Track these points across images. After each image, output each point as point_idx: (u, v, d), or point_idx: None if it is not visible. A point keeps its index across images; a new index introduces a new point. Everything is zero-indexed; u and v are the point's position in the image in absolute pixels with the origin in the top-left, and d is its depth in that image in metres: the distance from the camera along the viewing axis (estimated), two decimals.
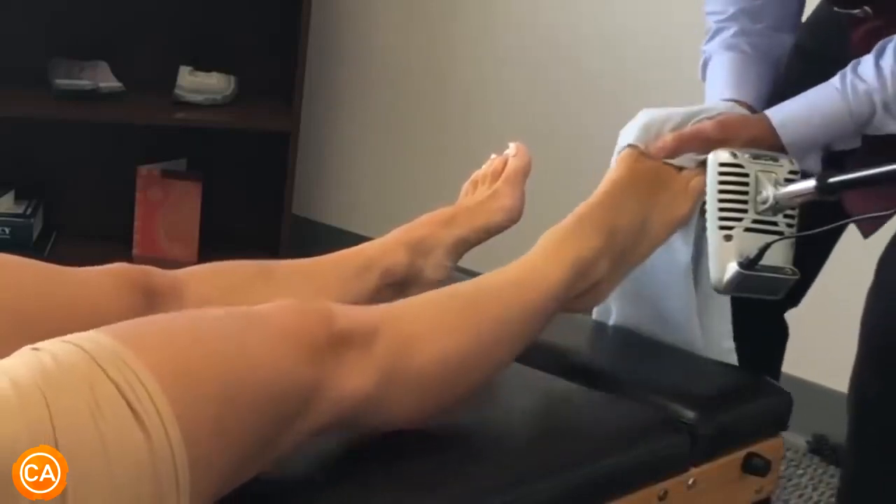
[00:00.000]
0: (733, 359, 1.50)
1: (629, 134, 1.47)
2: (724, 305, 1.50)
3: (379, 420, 1.14)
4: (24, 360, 0.95)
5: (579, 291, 1.37)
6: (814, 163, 1.48)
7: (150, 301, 1.23)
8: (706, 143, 1.46)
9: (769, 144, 1.46)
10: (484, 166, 1.56)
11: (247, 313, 1.09)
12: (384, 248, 1.42)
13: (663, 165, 1.46)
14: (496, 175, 1.53)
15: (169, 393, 0.94)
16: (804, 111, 1.46)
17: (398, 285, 1.42)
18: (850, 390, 1.53)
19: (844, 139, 1.46)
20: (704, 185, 1.43)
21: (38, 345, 0.97)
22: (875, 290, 1.49)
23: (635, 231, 1.41)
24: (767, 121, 1.46)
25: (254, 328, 1.06)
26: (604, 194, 1.44)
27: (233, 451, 0.99)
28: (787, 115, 1.46)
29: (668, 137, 1.46)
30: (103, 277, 1.22)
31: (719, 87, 1.60)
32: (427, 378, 1.17)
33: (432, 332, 1.18)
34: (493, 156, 1.56)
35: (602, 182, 1.46)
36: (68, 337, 0.98)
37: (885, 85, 1.40)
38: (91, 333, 0.98)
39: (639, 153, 1.46)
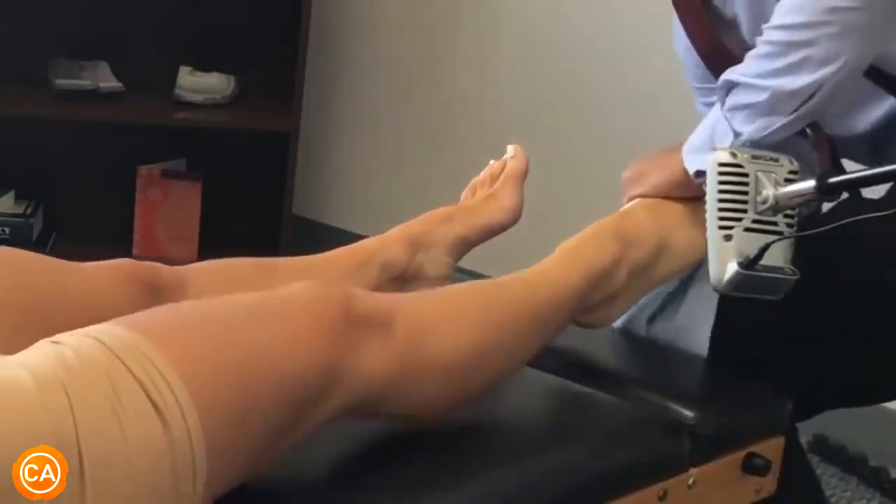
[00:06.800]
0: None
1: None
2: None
3: (398, 406, 1.14)
4: (44, 353, 0.95)
5: (594, 302, 1.37)
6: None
7: (156, 296, 1.24)
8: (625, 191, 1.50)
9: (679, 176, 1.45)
10: (482, 172, 1.57)
11: (264, 297, 1.09)
12: (382, 243, 1.43)
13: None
14: (494, 178, 1.54)
15: (188, 383, 0.94)
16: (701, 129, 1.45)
17: (398, 280, 1.43)
18: None
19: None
20: None
21: (57, 338, 0.97)
22: None
23: (655, 247, 1.42)
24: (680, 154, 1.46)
25: (271, 312, 1.06)
26: (626, 209, 1.45)
27: (252, 440, 0.99)
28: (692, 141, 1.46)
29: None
30: (110, 271, 1.23)
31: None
32: (445, 365, 1.17)
33: (450, 321, 1.19)
34: (491, 161, 1.57)
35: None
36: (86, 330, 0.98)
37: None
38: (108, 326, 0.98)
39: None
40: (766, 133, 1.37)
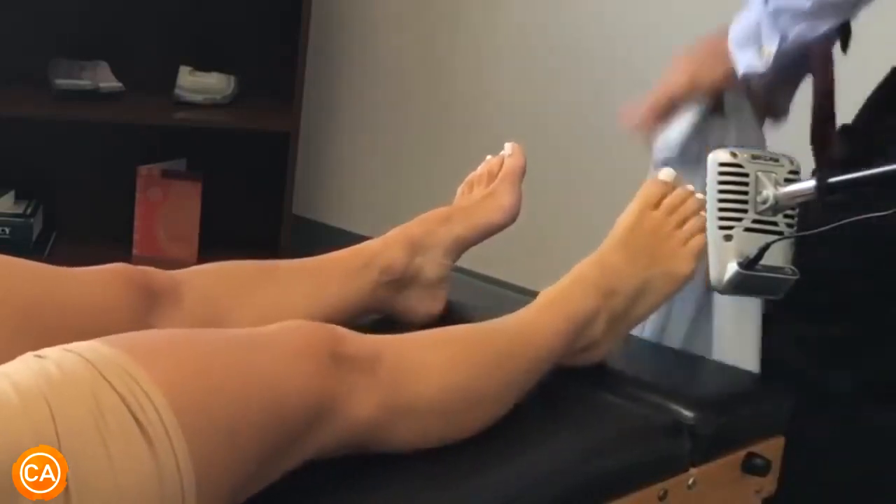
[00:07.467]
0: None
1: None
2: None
3: (384, 445, 1.14)
4: (27, 366, 0.94)
5: (575, 350, 1.37)
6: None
7: (150, 301, 1.23)
8: (677, 91, 1.50)
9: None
10: (479, 167, 1.57)
11: (252, 332, 1.09)
12: (383, 245, 1.43)
13: (664, 225, 1.42)
14: (492, 176, 1.54)
15: (175, 406, 0.94)
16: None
17: (397, 283, 1.43)
18: None
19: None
20: (705, 243, 1.40)
21: (42, 352, 0.97)
22: None
23: (633, 294, 1.40)
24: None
25: (260, 345, 1.06)
26: (601, 256, 1.43)
27: (240, 466, 0.99)
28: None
29: (643, 111, 1.49)
30: (103, 276, 1.23)
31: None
32: (429, 408, 1.16)
33: (437, 365, 1.19)
34: (488, 157, 1.57)
35: (603, 242, 1.45)
36: (71, 346, 0.97)
37: None
38: (94, 343, 0.98)
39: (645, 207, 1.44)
40: (812, 37, 1.37)
